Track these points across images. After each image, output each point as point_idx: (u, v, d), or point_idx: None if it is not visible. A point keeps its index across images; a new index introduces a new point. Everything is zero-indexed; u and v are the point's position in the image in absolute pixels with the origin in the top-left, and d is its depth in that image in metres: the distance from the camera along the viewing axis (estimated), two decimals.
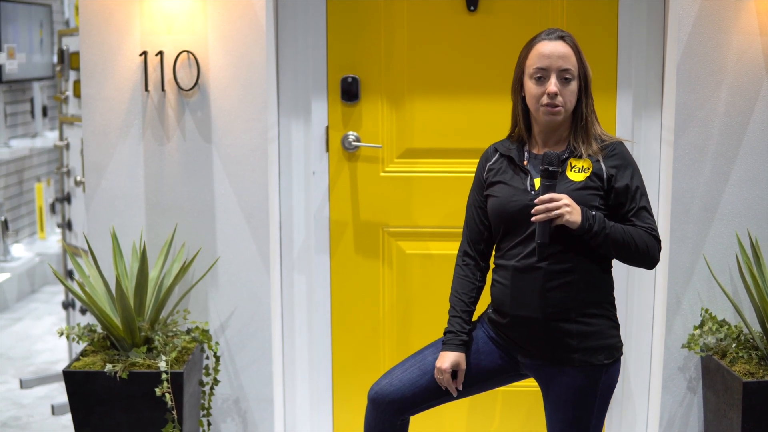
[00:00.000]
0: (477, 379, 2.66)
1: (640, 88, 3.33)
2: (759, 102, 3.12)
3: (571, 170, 2.52)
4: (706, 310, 3.20)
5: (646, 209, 2.52)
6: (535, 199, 2.45)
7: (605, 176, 2.51)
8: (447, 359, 2.61)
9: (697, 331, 3.17)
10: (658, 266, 3.30)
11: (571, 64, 2.50)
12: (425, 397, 2.65)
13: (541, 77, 2.51)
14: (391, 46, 3.39)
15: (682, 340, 3.22)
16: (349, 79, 3.40)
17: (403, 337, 3.53)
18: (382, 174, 3.47)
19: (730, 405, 2.95)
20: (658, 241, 2.52)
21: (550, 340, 2.52)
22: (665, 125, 3.26)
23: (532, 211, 2.43)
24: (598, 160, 2.52)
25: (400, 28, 3.38)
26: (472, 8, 3.35)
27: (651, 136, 3.33)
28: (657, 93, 3.32)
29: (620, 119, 3.35)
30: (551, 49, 2.51)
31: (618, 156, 2.53)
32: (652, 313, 3.41)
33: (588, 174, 2.51)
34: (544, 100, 2.50)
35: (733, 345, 3.07)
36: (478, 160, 2.71)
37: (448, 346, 2.63)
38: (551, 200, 2.41)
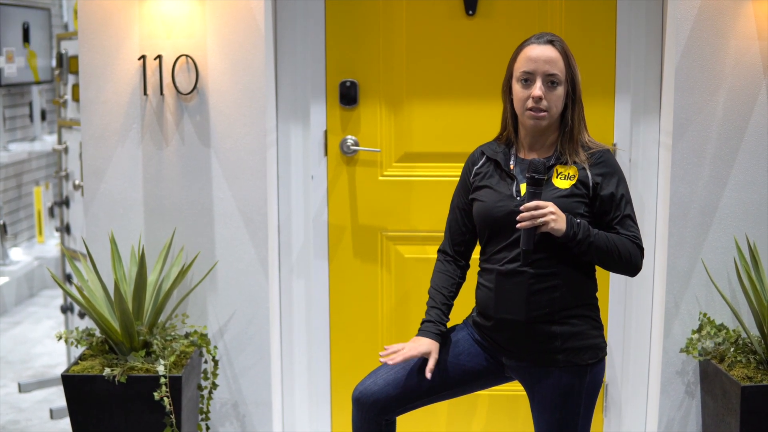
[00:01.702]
0: (462, 380, 2.66)
1: (638, 92, 3.33)
2: (757, 106, 3.13)
3: (557, 177, 2.52)
4: (705, 315, 3.20)
5: (631, 217, 2.54)
6: (520, 205, 2.46)
7: (591, 184, 2.51)
8: (421, 343, 2.59)
9: (696, 336, 3.17)
10: (657, 270, 3.30)
11: (558, 69, 2.50)
12: (410, 398, 2.64)
13: (528, 80, 2.51)
14: (389, 50, 3.40)
15: (681, 344, 3.22)
16: (348, 83, 3.40)
17: (401, 340, 3.51)
18: (381, 178, 3.47)
19: (728, 409, 2.95)
20: (641, 249, 2.54)
21: (535, 342, 2.53)
22: (663, 129, 3.26)
23: (518, 218, 2.44)
24: (584, 168, 2.52)
25: (398, 32, 3.39)
26: (470, 12, 3.35)
27: (649, 140, 3.34)
28: (655, 97, 3.32)
29: (618, 123, 3.36)
30: (538, 53, 2.51)
31: (604, 164, 2.54)
32: (650, 317, 3.41)
33: (574, 181, 2.51)
34: (529, 103, 2.51)
35: (732, 349, 3.07)
36: None
37: (425, 333, 2.62)
38: (537, 207, 2.42)
